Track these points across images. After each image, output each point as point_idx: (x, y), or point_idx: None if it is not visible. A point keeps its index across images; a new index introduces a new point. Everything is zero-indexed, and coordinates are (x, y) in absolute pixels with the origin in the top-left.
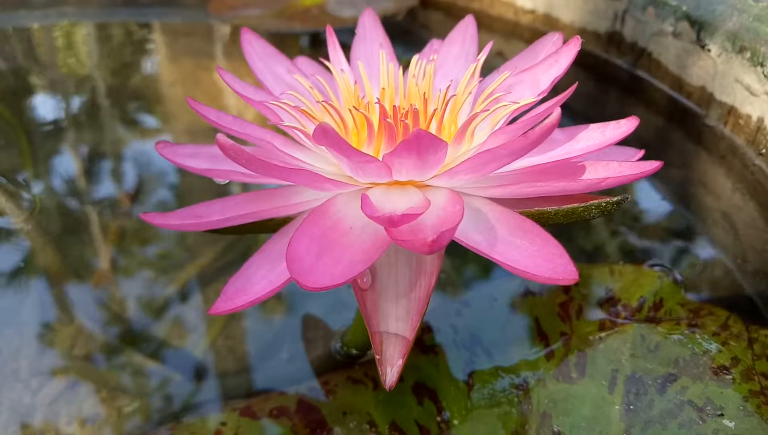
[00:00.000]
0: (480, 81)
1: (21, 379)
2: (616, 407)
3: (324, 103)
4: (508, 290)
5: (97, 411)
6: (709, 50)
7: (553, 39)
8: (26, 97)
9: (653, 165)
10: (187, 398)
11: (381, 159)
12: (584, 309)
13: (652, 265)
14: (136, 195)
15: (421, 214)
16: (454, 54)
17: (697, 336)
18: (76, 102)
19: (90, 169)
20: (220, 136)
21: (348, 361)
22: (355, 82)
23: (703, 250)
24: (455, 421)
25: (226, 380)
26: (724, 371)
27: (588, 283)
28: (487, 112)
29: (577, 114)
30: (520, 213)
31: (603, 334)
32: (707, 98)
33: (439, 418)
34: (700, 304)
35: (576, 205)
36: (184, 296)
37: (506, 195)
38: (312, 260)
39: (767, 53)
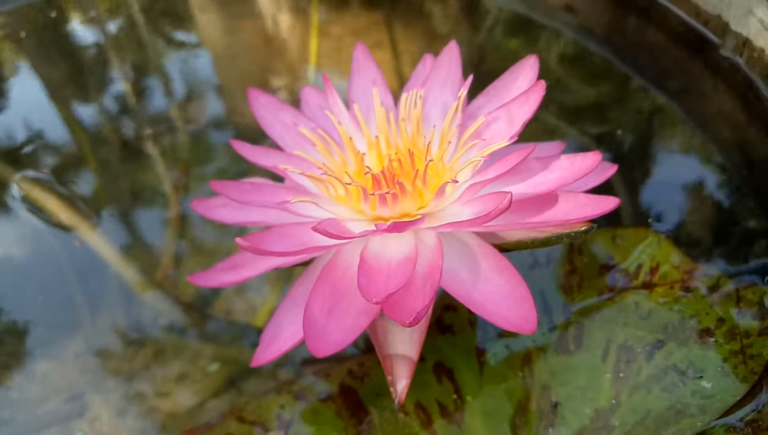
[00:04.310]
0: (465, 106)
1: (116, 351)
2: (608, 375)
3: (326, 176)
4: (516, 265)
5: (185, 370)
6: None
7: (530, 62)
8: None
9: (614, 201)
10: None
11: (375, 228)
12: (585, 279)
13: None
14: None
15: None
16: (441, 79)
17: (688, 299)
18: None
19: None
20: (239, 240)
21: None
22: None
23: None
24: (468, 398)
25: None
26: (708, 334)
27: (591, 251)
28: (467, 161)
29: (600, 41)
30: (500, 245)
31: (600, 306)
32: (723, 27)
33: (455, 396)
34: (694, 265)
35: (550, 235)
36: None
37: (491, 230)
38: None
39: None
